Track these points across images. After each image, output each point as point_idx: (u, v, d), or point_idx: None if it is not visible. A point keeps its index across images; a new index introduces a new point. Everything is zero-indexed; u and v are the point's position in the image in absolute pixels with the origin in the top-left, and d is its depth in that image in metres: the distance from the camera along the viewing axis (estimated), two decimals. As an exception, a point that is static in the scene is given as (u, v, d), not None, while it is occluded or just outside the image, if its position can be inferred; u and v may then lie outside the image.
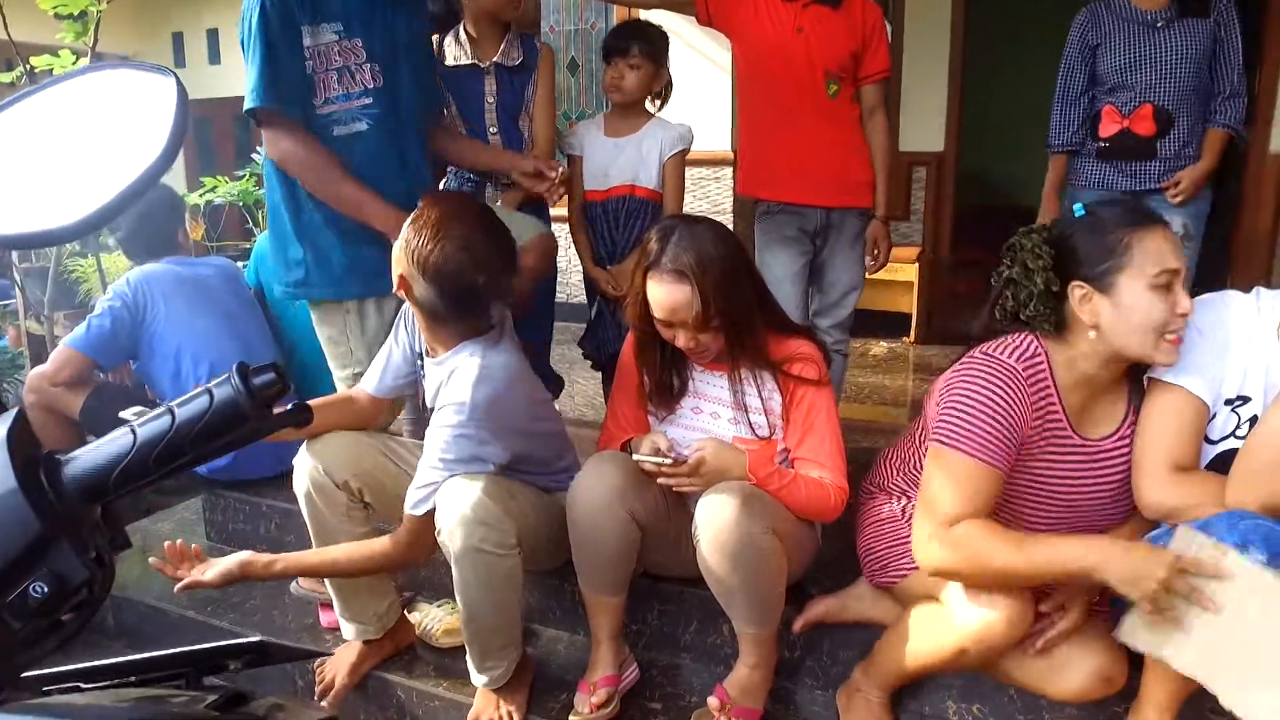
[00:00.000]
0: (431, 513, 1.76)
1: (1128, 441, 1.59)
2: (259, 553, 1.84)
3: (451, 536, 1.71)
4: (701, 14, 2.55)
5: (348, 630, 2.06)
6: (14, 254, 3.73)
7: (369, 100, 2.01)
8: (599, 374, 2.86)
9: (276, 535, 2.62)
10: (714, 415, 1.89)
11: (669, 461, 1.71)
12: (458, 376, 1.74)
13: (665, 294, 1.73)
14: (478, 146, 2.41)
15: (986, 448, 1.50)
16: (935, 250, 4.94)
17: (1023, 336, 1.58)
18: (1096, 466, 1.59)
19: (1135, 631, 1.43)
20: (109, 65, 0.68)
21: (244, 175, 4.83)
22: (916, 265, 4.55)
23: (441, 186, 2.51)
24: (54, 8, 3.21)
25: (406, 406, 2.37)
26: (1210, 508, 1.42)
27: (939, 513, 1.53)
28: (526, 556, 1.80)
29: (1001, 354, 1.55)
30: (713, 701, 1.80)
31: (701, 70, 4.16)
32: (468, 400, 1.71)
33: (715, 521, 1.65)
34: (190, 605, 2.40)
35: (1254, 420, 1.48)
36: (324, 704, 2.02)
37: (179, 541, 1.76)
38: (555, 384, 2.74)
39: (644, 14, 3.95)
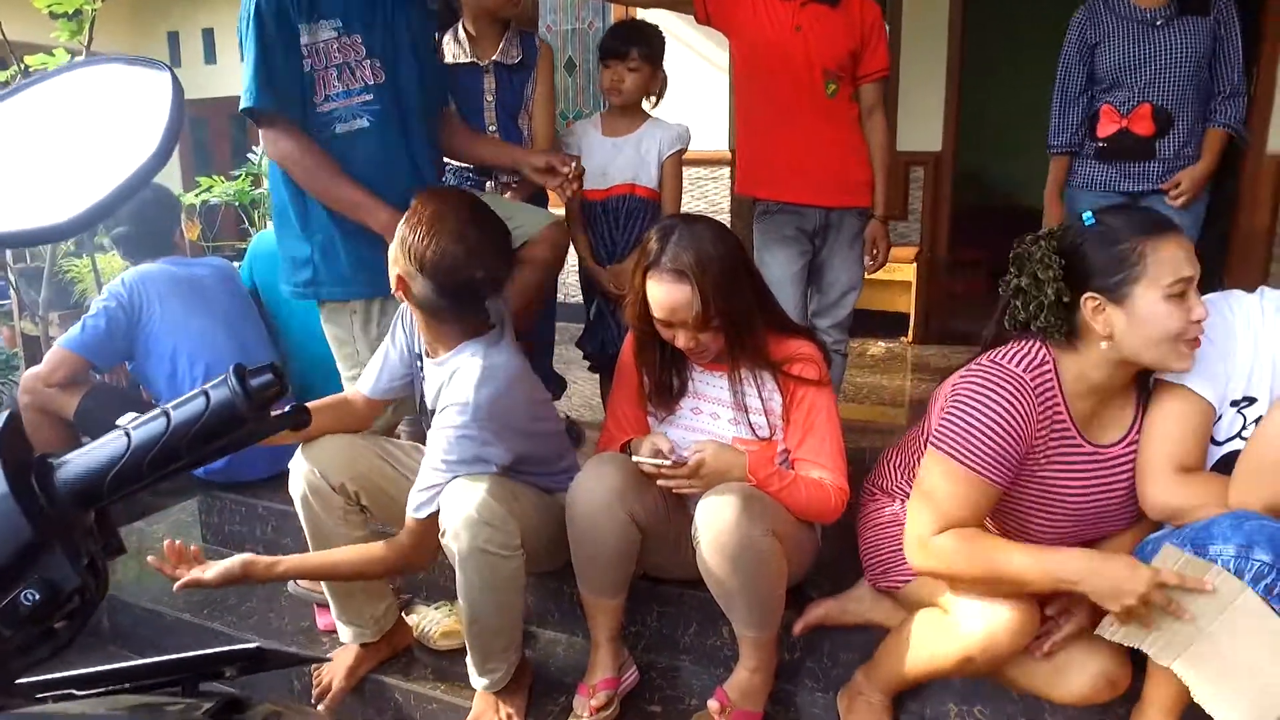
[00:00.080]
0: (434, 515, 1.74)
1: (1136, 447, 1.57)
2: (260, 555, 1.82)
3: (457, 538, 1.69)
4: (700, 13, 2.53)
5: (344, 633, 2.05)
6: (8, 254, 3.72)
7: (370, 97, 2.00)
8: (596, 374, 2.85)
9: (273, 537, 2.61)
10: (714, 416, 1.88)
11: (669, 463, 1.70)
12: (460, 377, 1.73)
13: (665, 294, 1.71)
14: (486, 142, 2.40)
15: (986, 462, 1.49)
16: (933, 250, 4.93)
17: (1030, 343, 1.56)
18: (1105, 473, 1.57)
19: (1115, 629, 1.43)
20: (102, 60, 0.67)
21: (240, 175, 4.82)
22: (914, 265, 4.54)
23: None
24: (48, 6, 3.19)
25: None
26: (1215, 509, 1.41)
27: (928, 520, 1.53)
28: (528, 557, 1.79)
29: (1009, 362, 1.54)
30: (713, 704, 1.79)
31: (699, 69, 4.15)
32: (470, 401, 1.70)
33: (715, 523, 1.64)
34: (186, 608, 2.38)
35: (1259, 421, 1.47)
36: (321, 707, 2.01)
37: (178, 541, 1.74)
38: (557, 384, 2.73)
39: (641, 13, 3.94)
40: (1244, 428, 1.49)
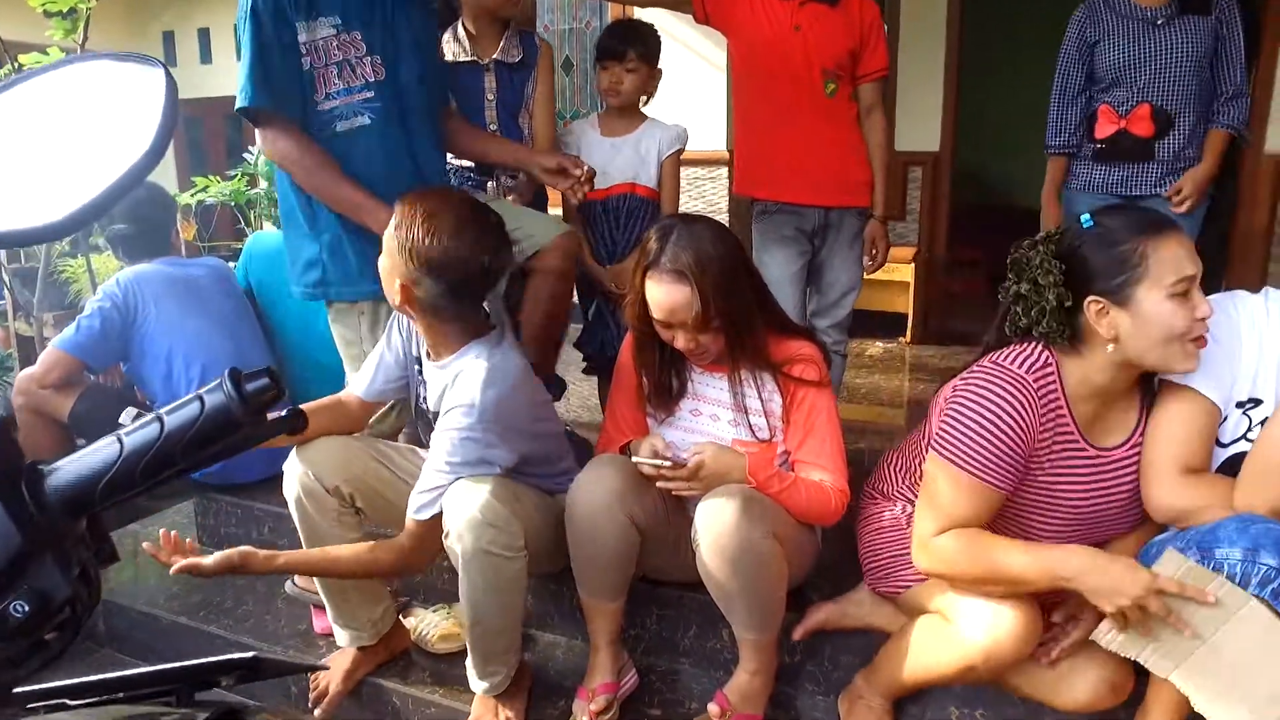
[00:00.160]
0: (436, 517, 1.73)
1: (1139, 450, 1.56)
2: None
3: (460, 539, 1.68)
4: (699, 12, 2.52)
5: (341, 636, 2.03)
6: (2, 253, 3.69)
7: (371, 94, 1.98)
8: (593, 376, 2.84)
9: (269, 539, 2.59)
10: (713, 417, 1.87)
11: (668, 464, 1.69)
12: (465, 378, 1.72)
13: (664, 294, 1.70)
14: (494, 141, 2.38)
15: (987, 467, 1.48)
16: (931, 250, 4.92)
17: (1032, 345, 1.55)
18: (1109, 476, 1.56)
19: (1113, 636, 1.42)
20: (93, 56, 0.65)
21: (236, 175, 4.79)
22: (913, 265, 4.53)
23: None
24: (43, 5, 3.18)
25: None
26: (1220, 511, 1.40)
27: (932, 524, 1.52)
28: (530, 559, 1.77)
29: (1011, 363, 1.52)
30: (713, 708, 1.77)
31: (697, 69, 4.14)
32: (477, 402, 1.69)
33: (715, 526, 1.63)
34: (182, 611, 2.37)
35: (1265, 423, 1.46)
36: (318, 712, 1.99)
37: (174, 532, 1.71)
38: (557, 386, 2.72)
39: (639, 13, 3.93)
40: (1249, 429, 1.48)
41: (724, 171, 4.18)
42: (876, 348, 4.56)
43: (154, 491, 0.61)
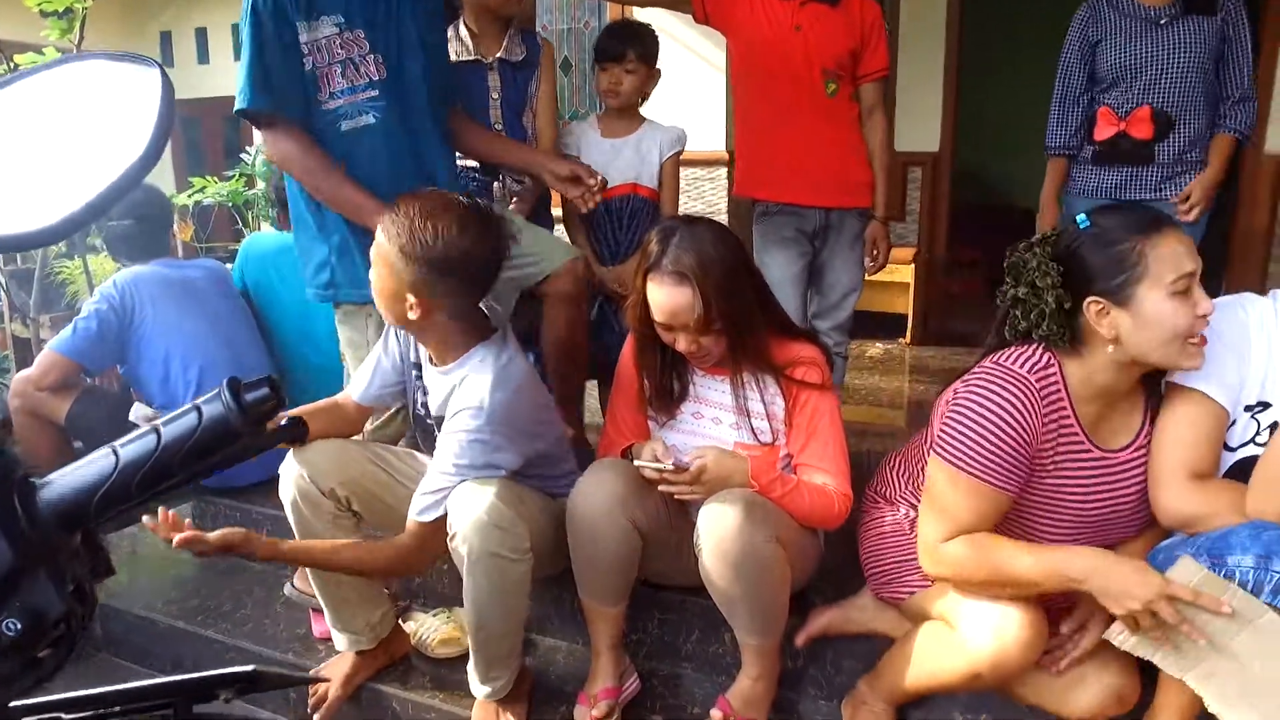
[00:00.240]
0: (439, 520, 1.71)
1: (1145, 451, 1.55)
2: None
3: (466, 541, 1.66)
4: (698, 12, 2.51)
5: (340, 641, 2.02)
6: (-2, 255, 3.67)
7: (375, 93, 1.96)
8: (594, 378, 2.82)
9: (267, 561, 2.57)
10: (715, 420, 1.86)
11: (670, 468, 1.67)
12: (472, 381, 1.71)
13: (666, 296, 1.69)
14: (506, 143, 2.37)
15: (992, 470, 1.46)
16: (931, 251, 4.91)
17: (1033, 346, 1.53)
18: (1114, 478, 1.54)
19: (1125, 636, 1.41)
20: (87, 55, 0.64)
21: (233, 176, 4.77)
22: (912, 266, 4.52)
23: None
24: (39, 4, 3.16)
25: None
26: (1230, 516, 1.39)
27: (938, 530, 1.51)
28: (534, 562, 1.76)
29: (1013, 364, 1.51)
30: (715, 714, 1.76)
31: (696, 69, 4.12)
32: (486, 404, 1.68)
33: (718, 530, 1.61)
34: (180, 615, 2.35)
35: (1275, 426, 1.44)
36: (316, 717, 1.97)
37: (172, 511, 1.66)
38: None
39: (638, 13, 3.92)
40: (1258, 433, 1.46)
41: (723, 172, 4.17)
42: (876, 349, 4.55)
43: (149, 504, 0.60)
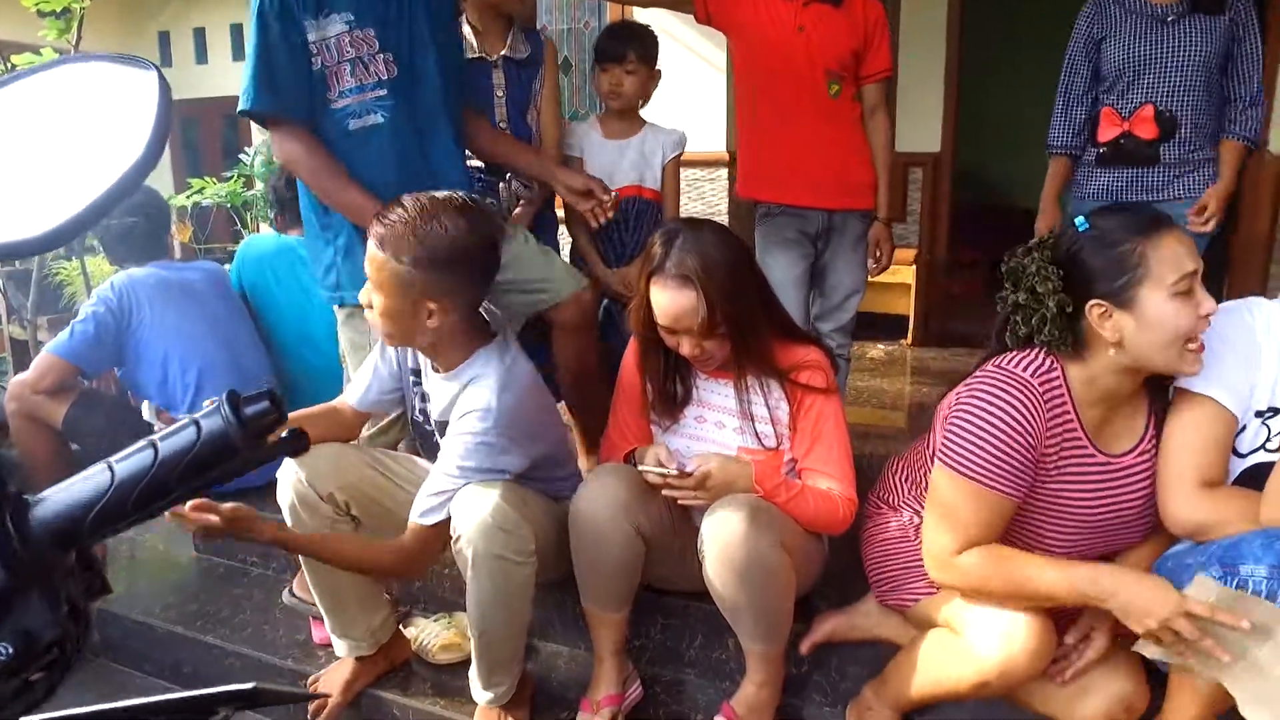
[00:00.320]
0: (442, 523, 1.70)
1: (1149, 456, 1.53)
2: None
3: (471, 544, 1.65)
4: (700, 13, 2.49)
5: (340, 647, 2.00)
6: (-5, 257, 3.64)
7: (383, 92, 1.94)
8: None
9: (266, 546, 2.55)
10: (719, 424, 1.84)
11: (674, 472, 1.66)
12: (479, 384, 1.70)
13: (669, 300, 1.67)
14: (521, 149, 2.34)
15: (996, 476, 1.45)
16: (932, 252, 4.89)
17: (1035, 350, 1.52)
18: (1118, 483, 1.53)
19: (1152, 648, 1.40)
20: (82, 57, 0.62)
21: (232, 177, 4.75)
22: (914, 267, 4.51)
23: None
24: (36, 4, 3.13)
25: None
26: (1241, 524, 1.37)
27: (948, 539, 1.49)
28: (537, 565, 1.74)
29: (1015, 367, 1.49)
30: (719, 720, 1.75)
31: (697, 70, 4.11)
32: (493, 407, 1.66)
33: (722, 536, 1.59)
34: (178, 620, 2.33)
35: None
36: (316, 725, 1.96)
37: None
38: (557, 392, 2.69)
39: (639, 13, 3.90)
40: (1269, 439, 1.45)
41: (724, 173, 4.15)
42: (878, 350, 4.53)
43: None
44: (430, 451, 1.93)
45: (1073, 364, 1.49)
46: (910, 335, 4.60)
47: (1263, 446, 1.45)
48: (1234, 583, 1.31)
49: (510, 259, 2.11)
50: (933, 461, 1.57)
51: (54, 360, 2.51)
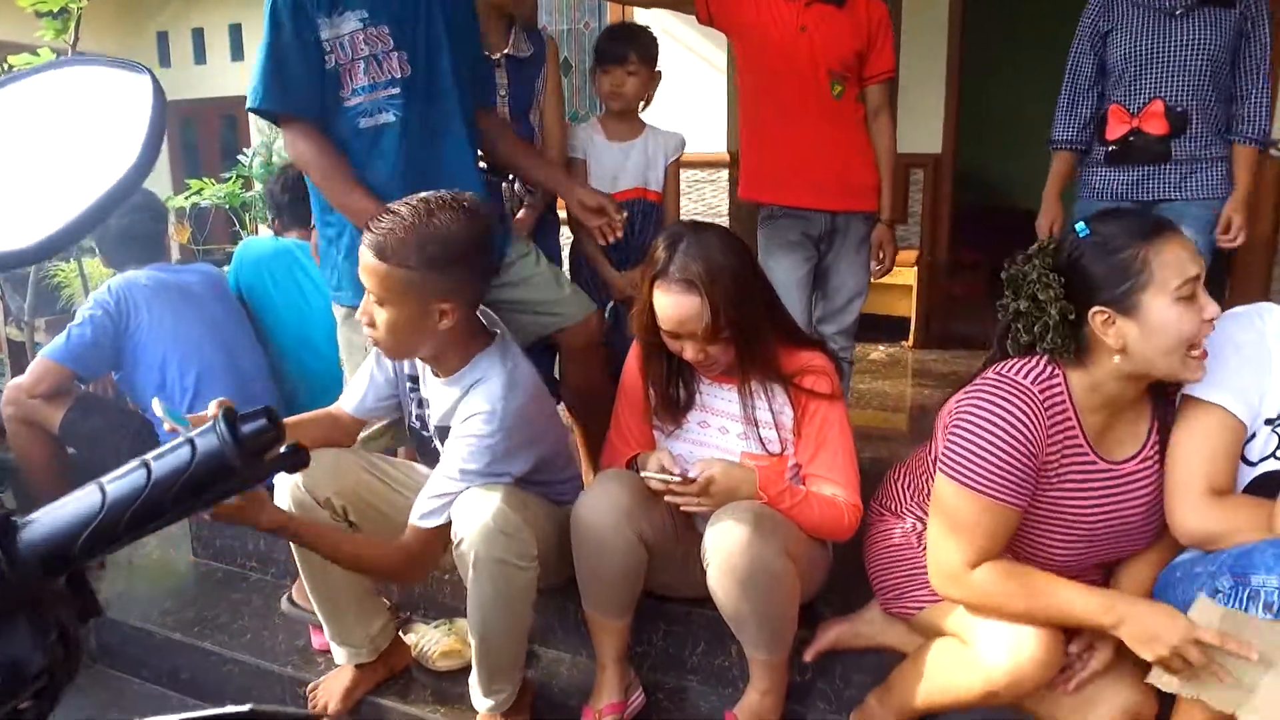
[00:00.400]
0: (442, 526, 1.68)
1: (1152, 462, 1.52)
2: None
3: (472, 547, 1.63)
4: (702, 13, 2.47)
5: (339, 654, 1.98)
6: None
7: (396, 90, 1.92)
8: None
9: (265, 550, 2.54)
10: (722, 430, 1.82)
11: (677, 479, 1.64)
12: (484, 387, 1.68)
13: (673, 304, 1.65)
14: (537, 160, 2.33)
15: (999, 486, 1.43)
16: (933, 253, 4.88)
17: (1036, 356, 1.50)
18: (1121, 490, 1.51)
19: (1167, 679, 1.38)
20: (73, 61, 0.60)
21: (230, 177, 4.73)
22: (915, 269, 4.49)
23: None
24: (33, 5, 3.11)
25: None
26: (1251, 534, 1.35)
27: (957, 554, 1.47)
28: (539, 570, 1.72)
29: (1016, 374, 1.48)
30: (723, 729, 1.73)
31: (697, 71, 4.09)
32: (499, 409, 1.65)
33: (726, 545, 1.58)
34: (176, 626, 2.31)
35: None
36: (315, 732, 1.94)
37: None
38: (557, 394, 2.68)
39: (639, 13, 3.88)
40: (1279, 447, 1.43)
41: (724, 174, 4.13)
42: (879, 352, 4.52)
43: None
44: (428, 458, 1.92)
45: (1075, 371, 1.48)
46: (912, 337, 4.58)
47: (1273, 454, 1.43)
48: (1245, 593, 1.30)
49: (521, 279, 2.10)
50: (935, 468, 1.55)
51: (50, 365, 2.49)
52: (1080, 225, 1.46)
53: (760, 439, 1.78)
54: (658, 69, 2.56)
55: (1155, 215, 1.47)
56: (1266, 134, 2.54)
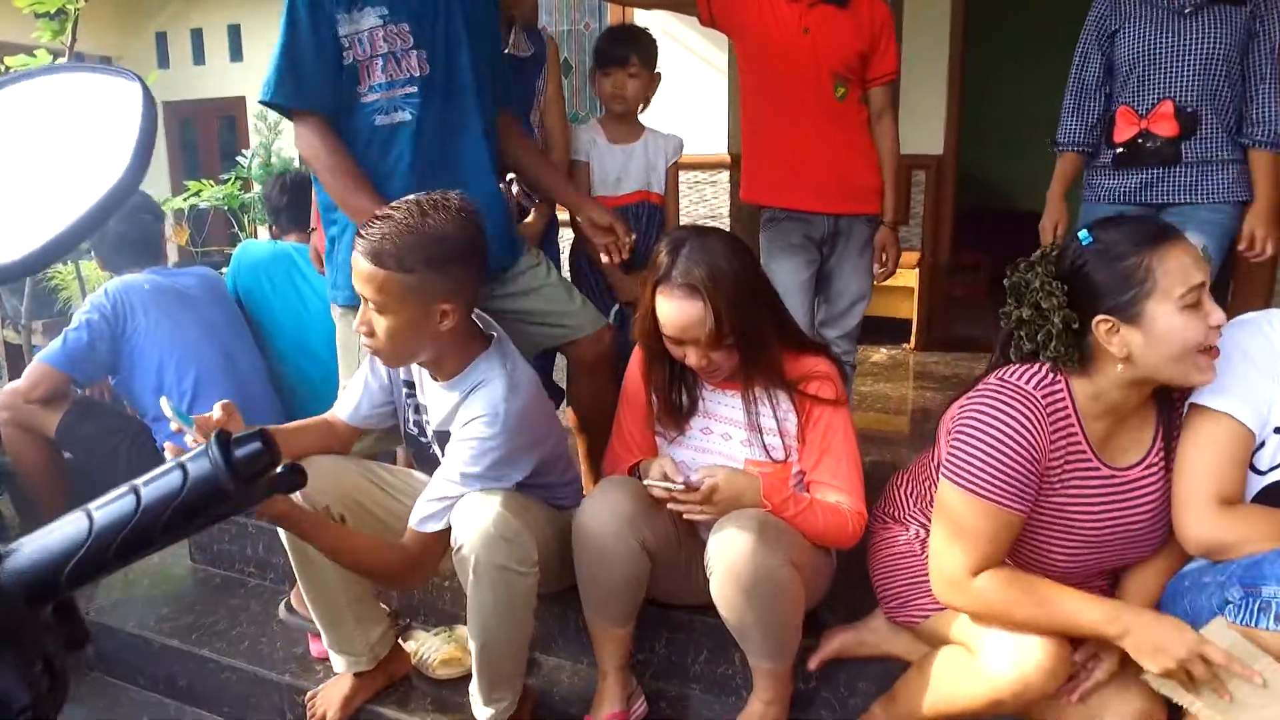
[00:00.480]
0: (442, 532, 1.66)
1: (1157, 469, 1.50)
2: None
3: (473, 553, 1.61)
4: (704, 14, 2.45)
5: (338, 662, 1.95)
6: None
7: (413, 89, 1.90)
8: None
9: (264, 556, 2.52)
10: (725, 436, 1.80)
11: (680, 487, 1.62)
12: (484, 390, 1.67)
13: (676, 310, 1.63)
14: (554, 173, 2.31)
15: (1002, 491, 1.42)
16: (935, 255, 4.86)
17: (1038, 362, 1.49)
18: (1125, 497, 1.50)
19: (1161, 682, 1.37)
20: (62, 68, 0.58)
21: (229, 179, 4.72)
22: (916, 270, 4.47)
23: None
24: (30, 5, 3.09)
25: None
26: (1261, 544, 1.34)
27: (959, 560, 1.46)
28: (539, 576, 1.71)
29: (1018, 380, 1.46)
30: (726, 739, 1.71)
31: (698, 71, 4.08)
32: (501, 412, 1.63)
33: (729, 554, 1.56)
34: (173, 634, 2.29)
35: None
36: (314, 741, 1.92)
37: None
38: (556, 396, 2.67)
39: (640, 14, 3.86)
40: (1290, 456, 1.41)
41: (725, 175, 4.12)
42: (881, 354, 4.50)
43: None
44: (426, 464, 1.90)
45: (1078, 378, 1.46)
46: (913, 339, 4.56)
47: (1284, 463, 1.42)
48: (1255, 604, 1.28)
49: (531, 289, 2.08)
50: (938, 474, 1.54)
51: (46, 369, 2.47)
52: (1083, 233, 1.44)
53: (764, 445, 1.76)
54: (657, 71, 2.56)
55: (1159, 221, 1.46)
56: (1278, 134, 2.45)
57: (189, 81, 8.52)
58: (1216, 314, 1.37)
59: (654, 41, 2.54)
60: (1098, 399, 1.46)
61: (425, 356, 1.72)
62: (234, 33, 8.47)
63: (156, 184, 8.00)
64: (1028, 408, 1.42)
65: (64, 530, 0.52)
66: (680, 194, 2.72)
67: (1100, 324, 1.39)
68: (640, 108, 2.58)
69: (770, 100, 2.45)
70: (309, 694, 2.01)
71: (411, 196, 1.64)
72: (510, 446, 1.67)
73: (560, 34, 4.61)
